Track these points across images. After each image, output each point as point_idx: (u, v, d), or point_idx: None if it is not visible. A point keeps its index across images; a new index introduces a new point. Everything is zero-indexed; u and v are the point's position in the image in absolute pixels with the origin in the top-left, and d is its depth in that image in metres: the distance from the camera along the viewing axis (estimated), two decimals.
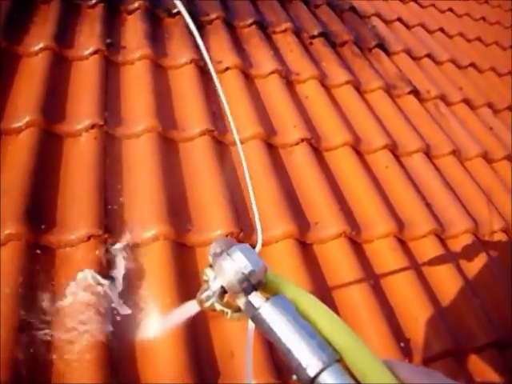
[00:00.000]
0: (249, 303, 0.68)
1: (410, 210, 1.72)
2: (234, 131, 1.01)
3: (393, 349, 1.31)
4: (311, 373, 0.59)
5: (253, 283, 0.69)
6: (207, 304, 0.74)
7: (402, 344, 1.36)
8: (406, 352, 1.34)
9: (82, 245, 1.27)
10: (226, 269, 0.69)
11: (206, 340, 1.21)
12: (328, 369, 0.59)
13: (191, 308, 0.93)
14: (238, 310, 0.77)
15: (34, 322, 1.10)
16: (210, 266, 0.78)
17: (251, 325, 0.79)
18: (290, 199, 1.58)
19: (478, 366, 1.39)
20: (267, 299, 0.67)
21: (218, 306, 0.76)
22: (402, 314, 1.43)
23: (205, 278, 0.79)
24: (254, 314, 0.67)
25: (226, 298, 0.75)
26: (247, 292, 0.69)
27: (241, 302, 0.70)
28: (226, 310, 0.77)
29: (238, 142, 1.04)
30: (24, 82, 1.66)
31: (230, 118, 0.96)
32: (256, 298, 0.68)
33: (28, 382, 1.01)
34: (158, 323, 1.19)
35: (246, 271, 0.68)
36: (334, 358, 0.60)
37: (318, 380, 0.59)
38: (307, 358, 0.60)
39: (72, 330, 1.11)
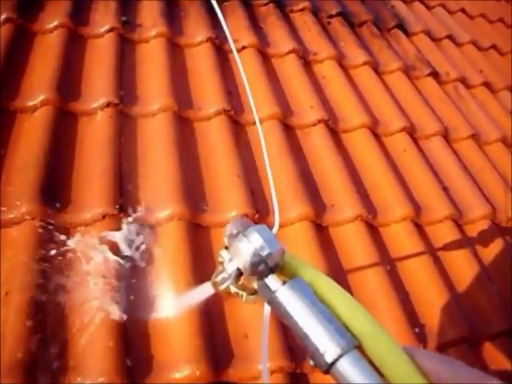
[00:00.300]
0: (265, 286, 0.66)
1: (427, 194, 1.70)
2: (255, 113, 0.99)
3: (407, 334, 1.30)
4: (329, 359, 0.57)
5: (270, 266, 0.67)
6: (222, 287, 0.72)
7: (417, 329, 1.34)
8: (421, 338, 1.33)
9: (96, 224, 1.27)
10: (243, 251, 0.67)
11: (219, 322, 1.20)
12: (346, 355, 0.57)
13: (206, 290, 0.92)
14: (254, 292, 0.75)
15: (47, 299, 1.10)
16: (226, 247, 0.76)
17: (267, 308, 0.76)
18: (306, 181, 1.56)
19: (492, 353, 1.38)
20: (284, 282, 0.65)
21: (233, 289, 0.75)
22: (418, 300, 1.42)
23: (220, 259, 0.77)
24: (270, 297, 0.65)
25: (242, 280, 0.73)
26: (264, 275, 0.67)
27: (257, 284, 0.69)
28: (241, 292, 0.76)
29: (258, 123, 1.01)
30: (39, 60, 1.65)
31: (252, 102, 0.93)
32: (273, 281, 0.66)
33: (40, 362, 1.02)
34: (172, 304, 1.19)
35: (263, 253, 0.66)
36: (353, 344, 0.58)
37: (336, 366, 0.57)
38: (325, 344, 0.58)
39: (86, 308, 1.11)
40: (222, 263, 0.77)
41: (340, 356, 0.57)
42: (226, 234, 0.75)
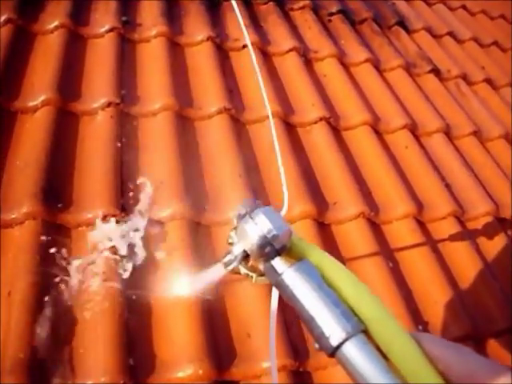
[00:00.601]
0: (272, 268, 0.66)
1: (430, 191, 1.69)
2: (270, 113, 1.00)
3: (410, 331, 1.29)
4: (334, 342, 0.57)
5: (276, 248, 0.66)
6: (228, 268, 0.72)
7: (420, 327, 1.34)
8: None
9: (98, 224, 1.26)
10: (249, 232, 0.67)
11: (222, 321, 1.20)
12: (352, 339, 0.57)
13: (217, 271, 0.93)
14: (264, 274, 0.75)
15: (49, 299, 1.10)
16: (235, 228, 0.76)
17: (275, 292, 0.77)
18: (307, 179, 1.56)
19: (496, 350, 1.37)
20: (291, 264, 0.64)
21: (243, 270, 0.75)
22: (421, 297, 1.41)
23: (229, 240, 0.78)
24: (276, 279, 0.65)
25: (251, 261, 0.73)
26: (270, 257, 0.67)
27: (263, 266, 0.69)
28: (250, 273, 0.76)
29: (271, 121, 1.00)
30: (39, 61, 1.65)
31: (268, 106, 0.93)
32: (279, 263, 0.66)
33: (42, 362, 1.02)
34: (183, 285, 1.18)
35: (269, 235, 0.66)
36: (359, 327, 0.58)
37: (341, 350, 0.57)
38: (331, 327, 0.58)
39: (88, 308, 1.11)
40: (231, 244, 0.77)
41: (345, 340, 0.57)
42: (235, 216, 0.75)
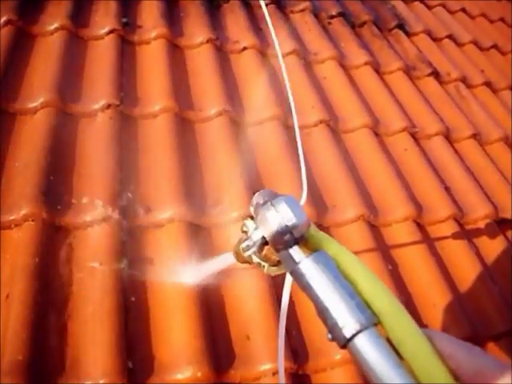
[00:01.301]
0: (289, 257, 0.67)
1: (429, 194, 1.69)
2: (294, 116, 1.02)
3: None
4: (347, 333, 0.58)
5: (295, 236, 0.67)
6: (247, 253, 0.73)
7: None
8: None
9: (97, 225, 1.26)
10: (270, 219, 0.67)
11: (221, 323, 1.20)
12: (365, 331, 0.57)
13: (227, 259, 0.93)
14: (276, 264, 0.77)
15: (48, 301, 1.10)
16: (251, 217, 0.77)
17: (289, 279, 0.77)
18: (307, 181, 1.55)
19: (496, 353, 1.37)
20: (309, 254, 0.65)
21: (256, 259, 0.76)
22: (420, 300, 1.41)
23: (244, 229, 0.79)
24: (293, 268, 0.65)
25: (265, 250, 0.74)
26: (288, 245, 0.67)
27: (281, 255, 0.69)
28: (263, 263, 0.77)
29: (296, 124, 1.01)
30: (39, 62, 1.65)
31: (292, 104, 0.94)
32: (297, 252, 0.67)
33: (41, 364, 1.01)
34: (192, 272, 1.19)
35: (290, 224, 0.66)
36: (372, 320, 0.58)
37: (354, 341, 0.57)
38: (344, 318, 0.58)
39: (87, 310, 1.11)
40: (245, 232, 0.78)
41: (359, 331, 0.57)
42: (252, 204, 0.76)
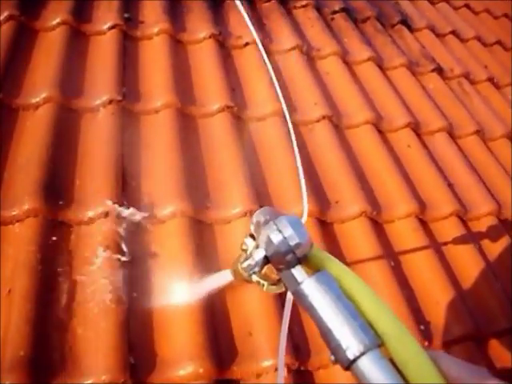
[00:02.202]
0: (291, 277, 0.66)
1: (432, 191, 1.69)
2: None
3: (413, 331, 1.29)
4: (351, 355, 0.57)
5: (298, 256, 0.66)
6: (248, 273, 0.72)
7: (422, 327, 1.33)
8: (426, 335, 1.32)
9: (99, 221, 1.26)
10: (272, 239, 0.66)
11: (223, 319, 1.20)
12: (368, 353, 0.57)
13: (224, 278, 0.92)
14: (276, 283, 0.76)
15: (50, 297, 1.09)
16: (251, 235, 0.76)
17: (289, 298, 0.77)
18: (310, 177, 1.55)
19: (498, 350, 1.37)
20: (311, 274, 0.64)
21: (255, 278, 0.76)
22: (423, 297, 1.41)
23: (243, 247, 0.78)
24: (295, 288, 0.65)
25: (265, 269, 0.73)
26: (291, 265, 0.66)
27: (283, 274, 0.68)
28: (262, 281, 0.76)
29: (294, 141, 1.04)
30: (41, 58, 1.65)
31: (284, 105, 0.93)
32: (299, 272, 0.66)
33: (42, 360, 1.01)
34: (188, 290, 1.18)
35: (292, 243, 0.66)
36: (376, 342, 0.58)
37: (357, 363, 0.57)
38: (348, 340, 0.58)
39: (89, 306, 1.11)
40: (245, 251, 0.78)
41: (362, 353, 0.57)
42: (252, 222, 0.76)
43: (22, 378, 0.95)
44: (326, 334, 0.60)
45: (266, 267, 0.72)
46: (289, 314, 0.78)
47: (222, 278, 0.97)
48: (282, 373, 0.97)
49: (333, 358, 0.60)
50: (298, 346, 1.19)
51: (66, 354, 1.04)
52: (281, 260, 0.66)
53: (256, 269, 0.69)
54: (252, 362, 1.13)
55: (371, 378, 0.55)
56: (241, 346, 1.16)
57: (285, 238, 0.65)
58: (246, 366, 1.13)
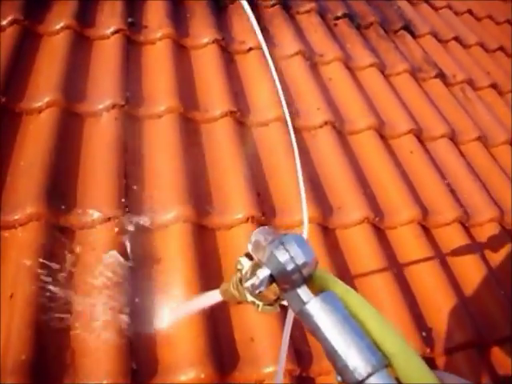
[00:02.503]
0: (296, 296, 0.66)
1: (435, 197, 1.68)
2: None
3: (414, 338, 1.29)
4: (359, 376, 0.57)
5: (304, 275, 0.66)
6: (251, 292, 0.70)
7: (424, 333, 1.33)
8: (428, 342, 1.31)
9: (101, 226, 1.26)
10: (279, 257, 0.65)
11: (225, 325, 1.19)
12: (376, 374, 0.57)
13: (213, 297, 0.91)
14: (271, 303, 0.76)
15: (53, 304, 1.09)
16: (247, 255, 0.76)
17: (290, 315, 0.77)
18: (312, 183, 1.55)
19: (500, 357, 1.36)
20: (316, 294, 0.64)
21: (250, 298, 0.75)
22: (425, 303, 1.41)
23: (238, 267, 0.78)
24: (301, 308, 0.64)
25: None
26: (296, 284, 0.66)
27: (288, 294, 0.67)
28: (257, 302, 0.75)
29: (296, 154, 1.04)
30: (45, 62, 1.65)
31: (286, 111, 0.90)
32: (305, 292, 0.65)
33: (44, 364, 1.01)
34: (176, 309, 1.17)
35: (300, 262, 0.65)
36: (384, 362, 0.58)
37: None
38: (355, 360, 0.58)
39: (91, 311, 1.11)
40: (240, 270, 0.77)
41: (370, 374, 0.56)
42: (250, 242, 0.75)
43: (23, 381, 0.95)
44: (333, 355, 0.60)
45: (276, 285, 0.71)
46: (289, 333, 0.78)
47: (210, 299, 0.96)
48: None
49: (339, 378, 0.59)
50: (300, 352, 1.19)
51: (67, 359, 1.03)
52: (287, 279, 0.66)
53: (261, 288, 0.67)
54: (254, 368, 1.13)
55: None
56: (242, 351, 1.16)
57: (291, 256, 0.65)
58: (247, 372, 1.13)
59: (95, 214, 1.26)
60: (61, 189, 1.30)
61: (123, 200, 1.32)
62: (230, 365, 1.13)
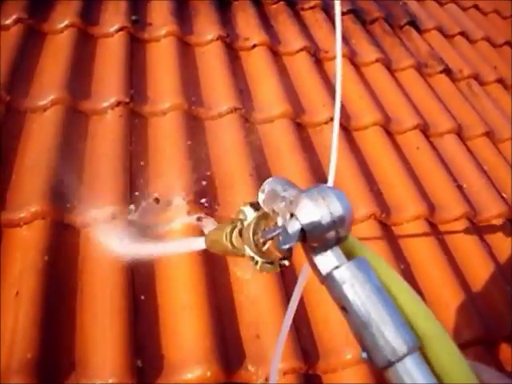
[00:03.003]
0: (327, 258, 0.57)
1: (442, 193, 1.67)
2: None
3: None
4: (392, 356, 0.51)
5: (339, 235, 0.57)
6: (283, 247, 0.58)
7: None
8: None
9: (108, 224, 1.26)
10: (315, 211, 0.56)
11: (231, 322, 1.19)
12: (410, 356, 0.51)
13: (195, 244, 0.87)
14: (271, 262, 0.69)
15: (57, 299, 1.09)
16: (252, 204, 0.70)
17: (301, 283, 0.70)
18: (318, 179, 1.54)
19: (508, 354, 1.35)
20: (349, 259, 0.56)
21: (250, 252, 0.68)
22: (432, 300, 1.39)
23: (240, 216, 0.71)
24: (330, 272, 0.56)
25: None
26: (329, 244, 0.57)
27: (315, 255, 0.58)
28: (257, 257, 0.69)
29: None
30: (49, 60, 1.65)
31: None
32: (338, 254, 0.57)
33: (50, 362, 1.01)
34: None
35: (338, 219, 0.55)
36: (417, 344, 0.52)
37: (396, 366, 0.51)
38: (389, 339, 0.51)
39: (96, 308, 1.10)
40: (241, 221, 0.70)
41: (404, 355, 0.51)
42: (262, 190, 0.67)
43: (29, 380, 0.95)
44: (361, 330, 0.53)
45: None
46: (295, 308, 0.72)
47: (191, 245, 0.91)
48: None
49: (364, 355, 0.54)
50: (306, 349, 1.18)
51: (73, 357, 1.03)
52: (320, 236, 0.56)
53: (290, 243, 0.56)
54: (260, 365, 1.12)
55: (410, 381, 0.50)
56: (249, 348, 1.15)
57: (331, 212, 0.55)
58: (253, 369, 1.12)
59: (100, 212, 1.26)
60: (66, 187, 1.30)
61: (128, 197, 1.32)
62: (236, 362, 1.13)
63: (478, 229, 1.64)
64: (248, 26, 2.05)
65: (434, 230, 1.56)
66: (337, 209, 0.56)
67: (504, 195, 1.76)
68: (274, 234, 0.60)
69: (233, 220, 0.75)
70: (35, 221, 1.19)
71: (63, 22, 1.76)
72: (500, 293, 1.46)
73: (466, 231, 1.59)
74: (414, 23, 2.53)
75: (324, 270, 0.57)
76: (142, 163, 1.43)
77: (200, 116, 1.63)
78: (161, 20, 1.92)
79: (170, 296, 1.19)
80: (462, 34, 2.63)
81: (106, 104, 1.54)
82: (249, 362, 1.13)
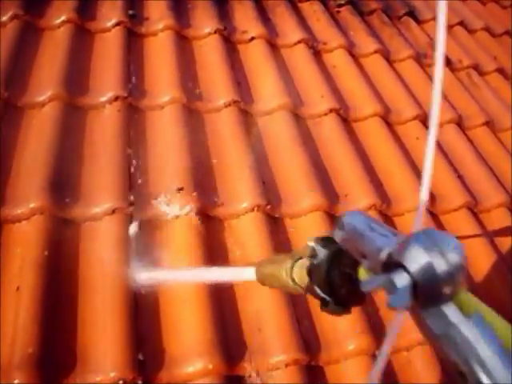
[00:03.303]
0: (441, 314, 0.51)
1: (442, 183, 1.67)
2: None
3: None
4: None
5: (456, 288, 0.51)
6: (391, 307, 0.52)
7: None
8: None
9: (106, 218, 1.26)
10: (435, 264, 0.50)
11: (232, 315, 1.19)
12: None
13: (244, 275, 0.89)
14: (343, 303, 0.67)
15: (58, 294, 1.09)
16: (320, 239, 0.68)
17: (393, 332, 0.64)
18: (318, 171, 1.53)
19: None
20: (466, 315, 0.51)
21: (320, 293, 0.67)
22: None
23: (310, 253, 0.70)
24: (445, 329, 0.51)
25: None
26: (444, 299, 0.51)
27: (428, 310, 0.52)
28: (328, 298, 0.67)
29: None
30: (47, 56, 1.65)
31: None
32: (454, 311, 0.51)
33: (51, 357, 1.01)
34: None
35: (457, 274, 0.50)
36: None
37: None
38: None
39: (97, 303, 1.10)
40: (313, 257, 0.68)
41: None
42: (341, 227, 0.63)
43: (30, 375, 0.95)
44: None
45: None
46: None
47: (240, 275, 0.91)
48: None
49: None
50: (309, 341, 1.18)
51: (74, 351, 1.03)
52: (434, 292, 0.51)
53: (403, 301, 0.51)
54: (262, 358, 1.13)
55: None
56: (250, 341, 1.15)
57: (450, 266, 0.50)
58: (255, 362, 1.12)
59: (99, 207, 1.26)
60: (65, 182, 1.30)
61: (127, 192, 1.31)
62: (237, 355, 1.13)
63: (478, 218, 1.63)
64: (246, 18, 2.04)
65: (435, 220, 1.56)
66: (453, 256, 0.50)
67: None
68: (375, 284, 0.54)
69: (292, 255, 0.74)
70: (34, 216, 1.19)
71: (60, 17, 1.76)
72: (502, 281, 1.46)
73: (467, 221, 1.59)
74: (412, 14, 2.51)
75: (439, 329, 0.52)
76: (141, 157, 1.43)
77: (199, 109, 1.62)
78: (158, 14, 1.91)
79: (171, 289, 1.18)
80: (462, 24, 2.61)
81: (104, 99, 1.53)
82: (251, 354, 1.13)
